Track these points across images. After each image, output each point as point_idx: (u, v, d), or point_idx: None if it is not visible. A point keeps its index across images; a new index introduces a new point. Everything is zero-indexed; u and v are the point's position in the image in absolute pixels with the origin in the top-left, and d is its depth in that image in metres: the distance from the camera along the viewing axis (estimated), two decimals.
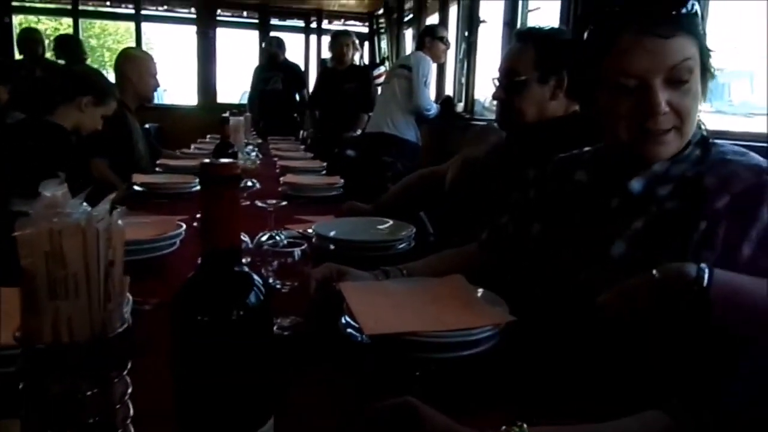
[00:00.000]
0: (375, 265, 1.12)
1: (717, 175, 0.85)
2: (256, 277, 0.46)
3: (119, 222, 0.45)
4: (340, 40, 4.56)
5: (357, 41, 4.63)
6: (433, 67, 3.92)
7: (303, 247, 0.92)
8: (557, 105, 1.46)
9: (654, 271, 0.75)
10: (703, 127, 0.93)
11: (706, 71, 0.89)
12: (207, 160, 0.43)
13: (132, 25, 7.11)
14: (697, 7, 0.86)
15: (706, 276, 0.72)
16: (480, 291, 0.94)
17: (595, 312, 0.78)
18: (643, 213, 0.89)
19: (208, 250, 0.45)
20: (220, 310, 0.45)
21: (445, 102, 4.27)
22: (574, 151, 1.12)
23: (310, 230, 1.48)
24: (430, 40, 3.89)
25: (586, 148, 1.10)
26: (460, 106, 4.21)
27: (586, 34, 0.92)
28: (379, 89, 4.09)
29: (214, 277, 0.46)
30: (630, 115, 0.86)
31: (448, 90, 4.63)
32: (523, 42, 1.49)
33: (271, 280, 0.92)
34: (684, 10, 0.85)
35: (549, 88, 1.45)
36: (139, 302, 0.93)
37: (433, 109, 3.90)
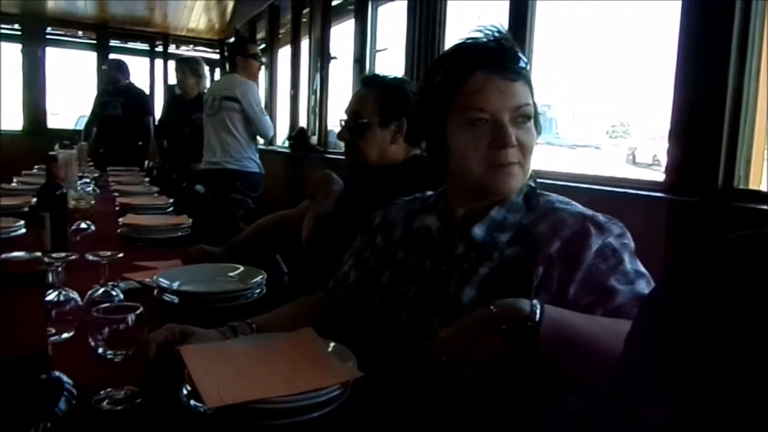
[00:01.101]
0: (225, 316, 1.08)
1: (548, 223, 0.93)
2: (66, 381, 0.41)
3: None
4: (179, 66, 4.36)
5: (204, 68, 4.38)
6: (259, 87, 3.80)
7: (138, 312, 0.85)
8: (397, 149, 1.54)
9: (491, 307, 0.79)
10: (531, 176, 1.02)
11: (537, 125, 0.98)
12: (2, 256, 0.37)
13: None
14: (527, 65, 0.97)
15: (538, 311, 0.77)
16: (331, 345, 0.93)
17: (425, 354, 0.81)
18: (488, 259, 0.94)
19: (6, 358, 0.39)
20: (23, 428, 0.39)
21: (299, 133, 4.27)
22: (417, 195, 1.16)
23: (152, 279, 1.38)
24: (242, 59, 3.70)
25: (429, 192, 1.15)
26: (314, 139, 4.24)
27: (438, 76, 0.98)
28: (206, 121, 3.74)
29: (15, 389, 0.40)
30: (484, 148, 0.93)
31: (302, 122, 4.64)
32: (367, 87, 1.59)
33: (101, 350, 0.83)
34: (521, 64, 0.96)
35: (389, 132, 1.53)
36: None
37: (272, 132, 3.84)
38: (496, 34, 0.96)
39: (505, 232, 0.96)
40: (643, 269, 0.89)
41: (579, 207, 0.97)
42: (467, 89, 0.93)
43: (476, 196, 0.99)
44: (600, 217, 0.92)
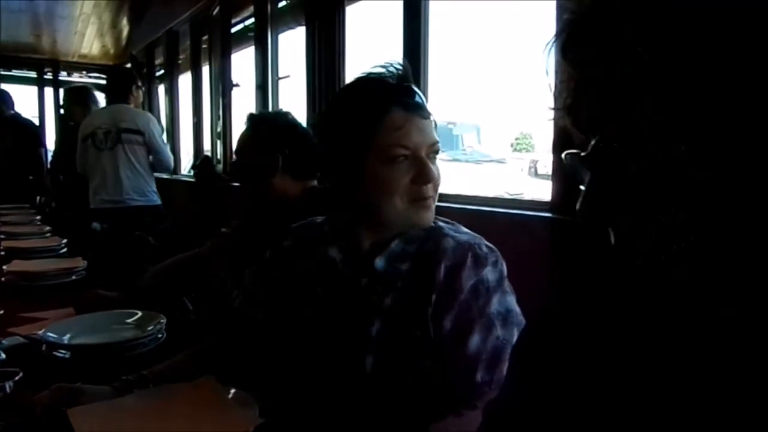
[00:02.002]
0: (123, 368, 1.04)
1: (438, 250, 0.96)
2: None
3: None
4: (64, 96, 4.18)
5: (92, 97, 4.12)
6: None
7: (17, 377, 0.81)
8: (282, 183, 1.57)
9: None
10: None
11: None
12: None
13: None
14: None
15: None
16: (231, 392, 0.92)
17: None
18: (392, 290, 0.96)
19: None
20: None
21: (203, 162, 4.16)
22: (305, 221, 1.16)
23: (41, 332, 1.30)
24: (136, 89, 3.57)
25: (319, 218, 1.15)
26: (219, 167, 4.14)
27: (351, 112, 0.98)
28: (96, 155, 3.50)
29: None
30: (407, 184, 0.96)
31: (206, 149, 4.54)
32: (249, 124, 1.65)
33: None
34: (426, 103, 0.99)
35: (270, 167, 1.56)
36: None
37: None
38: (402, 73, 0.99)
39: (405, 261, 0.98)
40: (510, 305, 0.94)
41: (464, 235, 1.01)
42: (387, 126, 0.94)
43: (387, 228, 1.00)
44: (483, 247, 0.97)
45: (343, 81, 2.70)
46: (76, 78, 6.85)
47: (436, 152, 1.00)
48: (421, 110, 0.97)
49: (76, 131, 4.18)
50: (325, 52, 2.76)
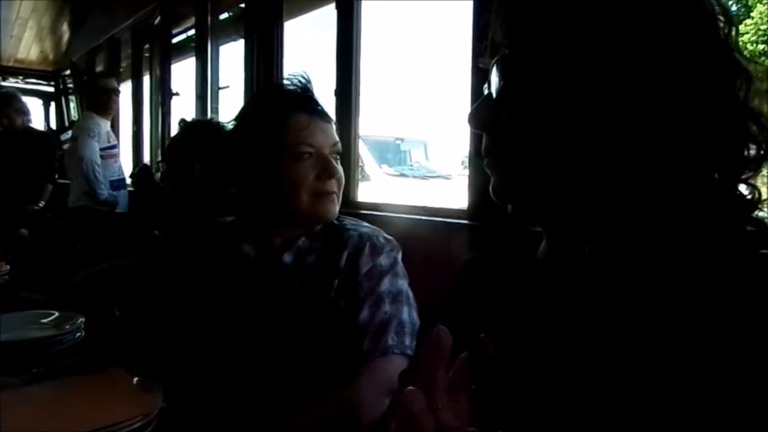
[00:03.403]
0: (38, 364, 1.05)
1: (341, 242, 1.07)
2: None
3: None
4: None
5: (18, 102, 4.03)
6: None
7: None
8: (201, 188, 1.62)
9: None
10: None
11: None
12: None
13: None
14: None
15: None
16: (136, 380, 0.95)
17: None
18: (297, 279, 1.06)
19: None
20: None
21: (141, 171, 4.11)
22: (216, 220, 1.24)
23: None
24: (93, 95, 3.61)
25: (229, 218, 1.23)
26: (159, 176, 4.11)
27: (263, 117, 1.09)
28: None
29: None
30: (312, 179, 1.05)
31: (146, 158, 4.49)
32: (178, 129, 1.74)
33: None
34: (320, 107, 1.10)
35: (188, 174, 1.62)
36: None
37: (105, 193, 3.46)
38: (305, 84, 1.10)
39: (311, 255, 1.08)
40: (400, 287, 1.05)
41: (365, 228, 1.12)
42: (293, 127, 1.05)
43: (297, 224, 1.10)
44: (380, 238, 1.08)
45: None
46: (11, 83, 6.63)
47: (338, 152, 1.10)
48: (322, 115, 1.09)
49: (3, 138, 4.08)
50: (263, 64, 2.81)
